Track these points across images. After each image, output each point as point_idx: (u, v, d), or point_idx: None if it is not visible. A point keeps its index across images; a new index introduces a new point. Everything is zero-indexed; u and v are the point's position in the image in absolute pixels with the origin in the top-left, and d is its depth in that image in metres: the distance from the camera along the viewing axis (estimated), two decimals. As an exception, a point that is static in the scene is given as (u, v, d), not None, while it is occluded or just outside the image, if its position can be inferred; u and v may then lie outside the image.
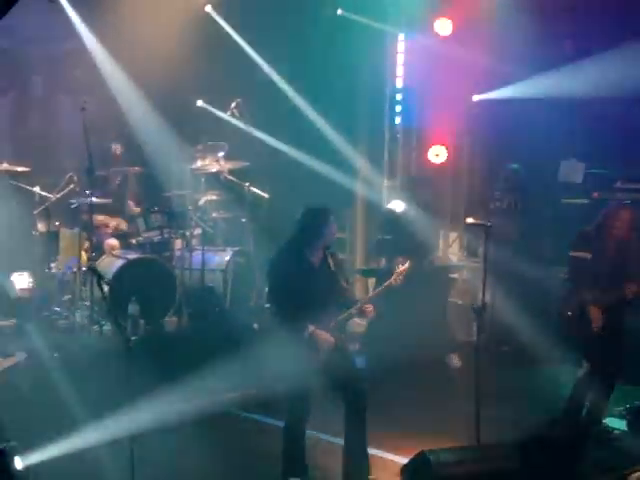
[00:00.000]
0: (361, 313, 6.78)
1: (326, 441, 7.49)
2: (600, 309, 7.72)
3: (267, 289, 6.82)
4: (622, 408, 8.25)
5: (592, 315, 7.75)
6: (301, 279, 6.53)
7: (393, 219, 10.75)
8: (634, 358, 8.43)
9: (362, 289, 11.43)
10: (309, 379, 6.49)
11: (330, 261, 6.72)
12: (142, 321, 9.27)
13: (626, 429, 8.05)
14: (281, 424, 6.85)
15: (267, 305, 6.84)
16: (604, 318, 7.70)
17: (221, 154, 10.49)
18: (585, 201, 11.18)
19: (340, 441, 6.78)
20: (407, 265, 6.91)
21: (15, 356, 8.56)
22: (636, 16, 11.16)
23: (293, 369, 6.44)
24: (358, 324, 9.78)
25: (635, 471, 6.36)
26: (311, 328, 6.47)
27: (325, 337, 6.53)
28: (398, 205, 10.88)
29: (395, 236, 10.47)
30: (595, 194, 11.01)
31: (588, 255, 7.88)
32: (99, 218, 10.30)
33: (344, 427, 6.62)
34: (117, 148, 10.88)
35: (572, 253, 8.01)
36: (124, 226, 10.71)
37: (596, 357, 7.80)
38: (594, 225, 8.07)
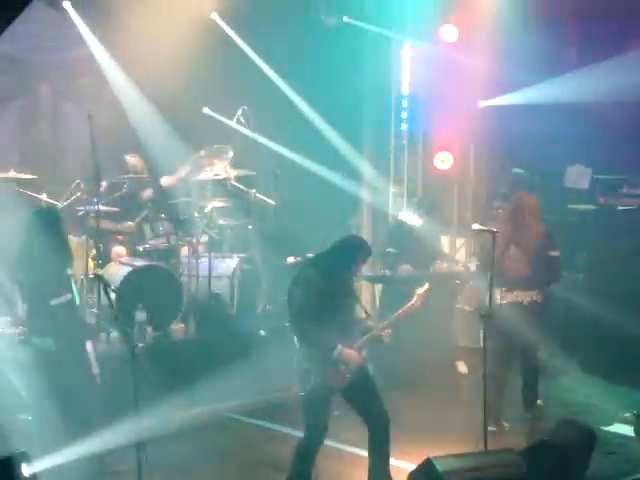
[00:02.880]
0: (378, 339, 6.59)
1: (342, 450, 7.51)
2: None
3: (295, 306, 6.50)
4: (629, 414, 8.24)
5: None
6: (333, 300, 6.44)
7: (400, 232, 10.64)
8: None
9: (369, 296, 11.41)
10: (331, 400, 6.49)
11: (353, 287, 6.72)
12: (149, 328, 9.27)
13: (633, 435, 8.04)
14: (288, 431, 6.81)
15: (291, 322, 6.56)
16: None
17: (230, 154, 10.50)
18: (592, 207, 11.19)
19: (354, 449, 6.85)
20: (427, 287, 6.76)
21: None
22: (640, 21, 11.20)
23: (315, 389, 6.42)
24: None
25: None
26: (340, 347, 6.40)
27: (355, 356, 6.48)
28: (412, 219, 10.68)
29: (401, 250, 10.40)
30: (601, 199, 11.03)
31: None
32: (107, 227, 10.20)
33: (368, 450, 6.64)
34: (133, 159, 10.71)
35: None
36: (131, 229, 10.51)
37: None
38: (502, 219, 8.21)
